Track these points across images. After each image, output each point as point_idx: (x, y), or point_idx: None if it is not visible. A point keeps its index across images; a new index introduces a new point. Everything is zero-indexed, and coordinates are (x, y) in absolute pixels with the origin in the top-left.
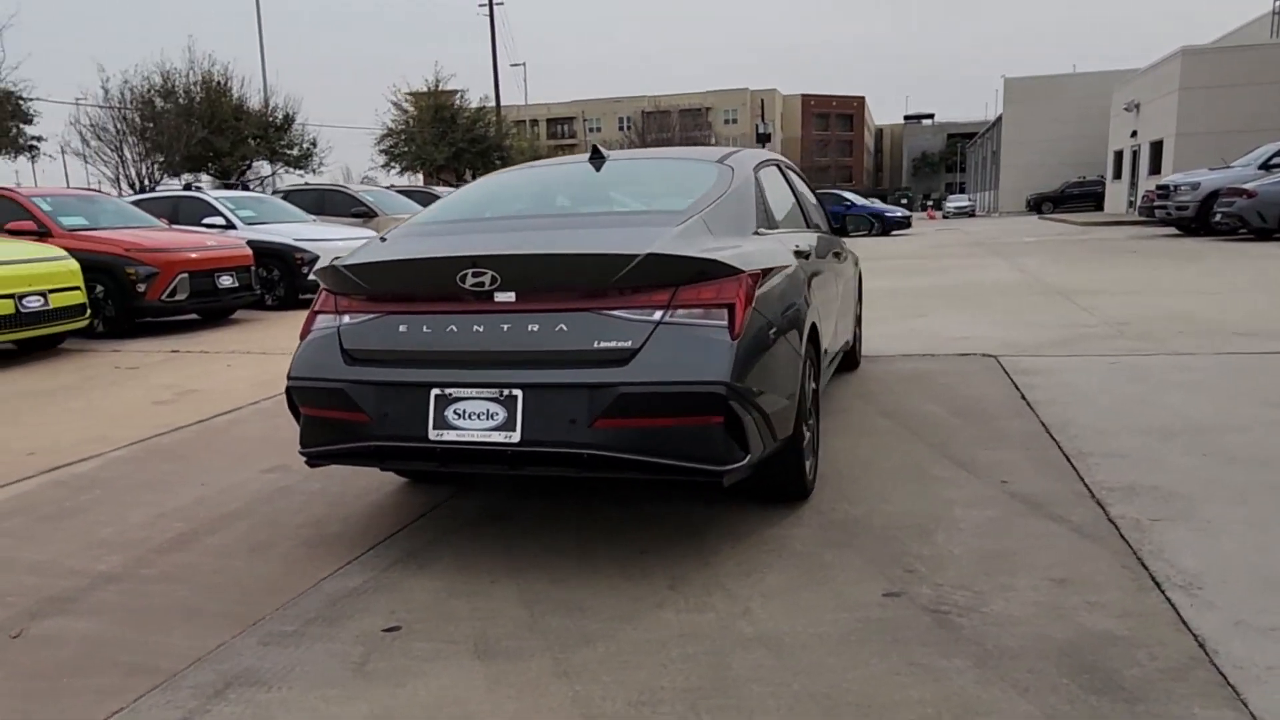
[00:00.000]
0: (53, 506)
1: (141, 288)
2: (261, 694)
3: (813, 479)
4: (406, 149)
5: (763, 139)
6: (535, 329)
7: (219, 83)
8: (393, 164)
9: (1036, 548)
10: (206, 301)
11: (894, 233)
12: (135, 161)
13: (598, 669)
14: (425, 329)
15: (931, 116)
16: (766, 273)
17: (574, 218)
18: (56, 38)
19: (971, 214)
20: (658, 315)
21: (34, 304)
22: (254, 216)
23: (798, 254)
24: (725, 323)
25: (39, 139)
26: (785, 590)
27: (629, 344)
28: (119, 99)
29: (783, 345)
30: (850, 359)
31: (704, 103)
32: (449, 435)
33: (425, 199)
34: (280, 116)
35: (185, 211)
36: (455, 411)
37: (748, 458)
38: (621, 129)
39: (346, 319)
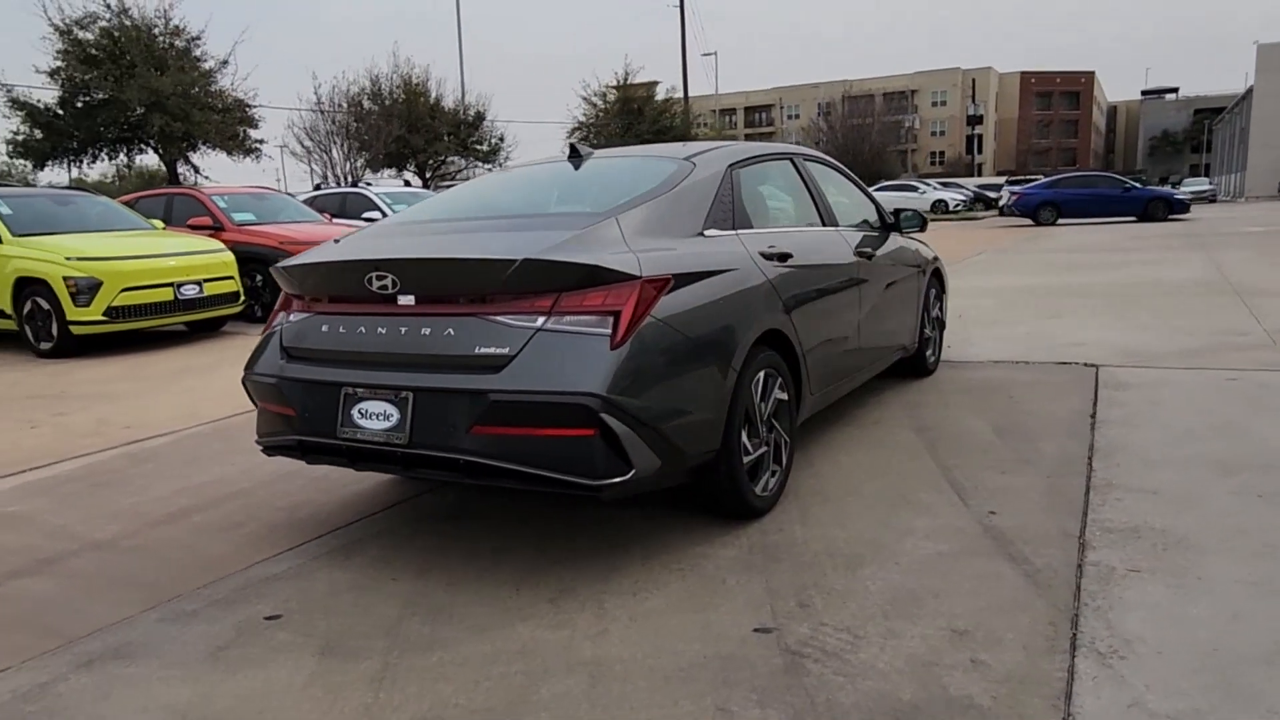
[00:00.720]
0: (107, 476)
1: None
2: (119, 668)
3: (771, 495)
4: (595, 142)
5: (972, 121)
6: (428, 333)
7: (417, 84)
8: None
9: (964, 591)
10: None
11: (1171, 217)
12: (342, 159)
13: (414, 678)
14: (341, 329)
15: (1175, 91)
16: (686, 277)
17: (498, 220)
18: (279, 49)
19: (1213, 199)
20: (539, 322)
21: (190, 292)
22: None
23: (769, 256)
24: (607, 331)
25: (261, 141)
26: (660, 614)
27: (506, 350)
28: (328, 103)
29: (702, 354)
30: (917, 365)
31: (910, 85)
32: (353, 433)
33: None
34: (472, 114)
35: (351, 206)
36: (359, 411)
37: (632, 473)
38: (821, 115)
39: (291, 318)
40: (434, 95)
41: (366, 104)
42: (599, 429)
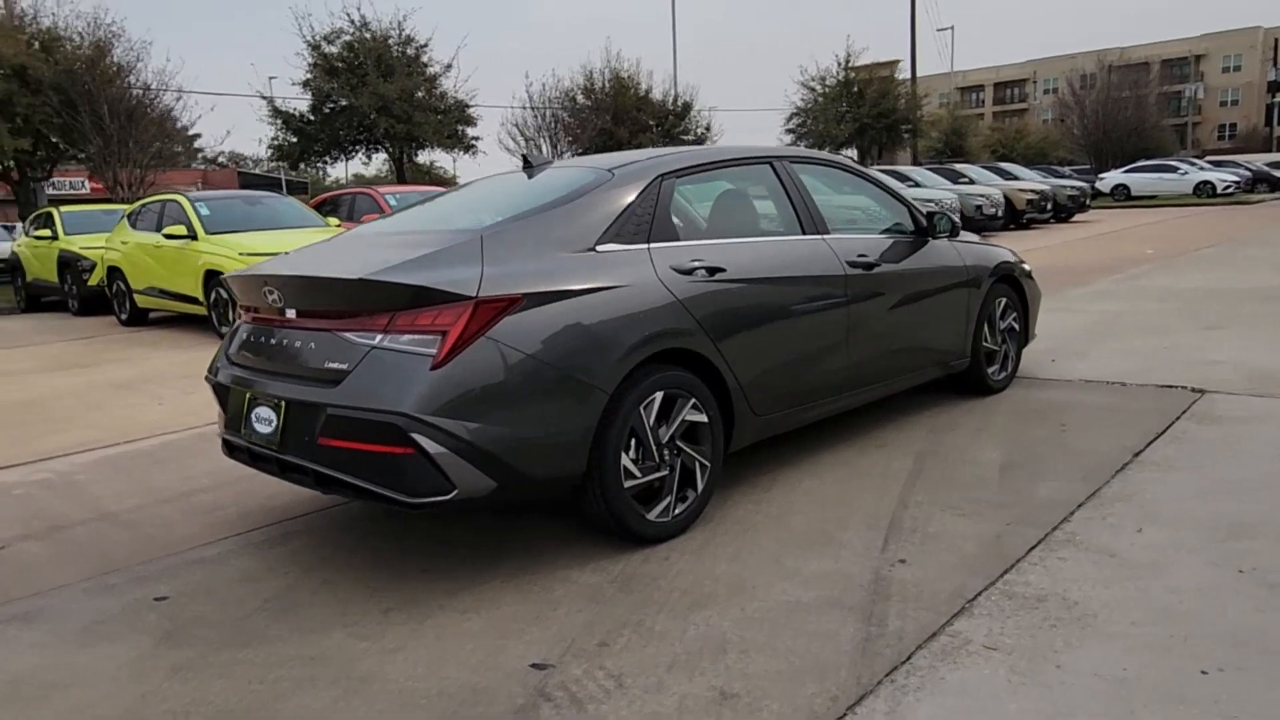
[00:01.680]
0: (171, 454)
1: None
2: (12, 631)
3: (675, 521)
4: (812, 127)
5: (1273, 88)
6: (299, 345)
7: (626, 77)
8: (798, 144)
9: (777, 649)
10: None
11: None
12: (550, 153)
13: (206, 672)
14: (252, 338)
15: None
16: (546, 295)
17: (406, 235)
18: (499, 51)
19: None
20: (375, 339)
21: None
22: None
23: (686, 271)
24: (431, 351)
25: (477, 139)
26: (469, 636)
27: (345, 366)
28: (540, 100)
29: (557, 375)
30: (974, 382)
31: (1193, 49)
32: (249, 435)
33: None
34: (679, 104)
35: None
36: (255, 415)
37: (454, 493)
38: (1077, 87)
39: (238, 325)
40: (644, 87)
41: (580, 99)
42: (415, 448)
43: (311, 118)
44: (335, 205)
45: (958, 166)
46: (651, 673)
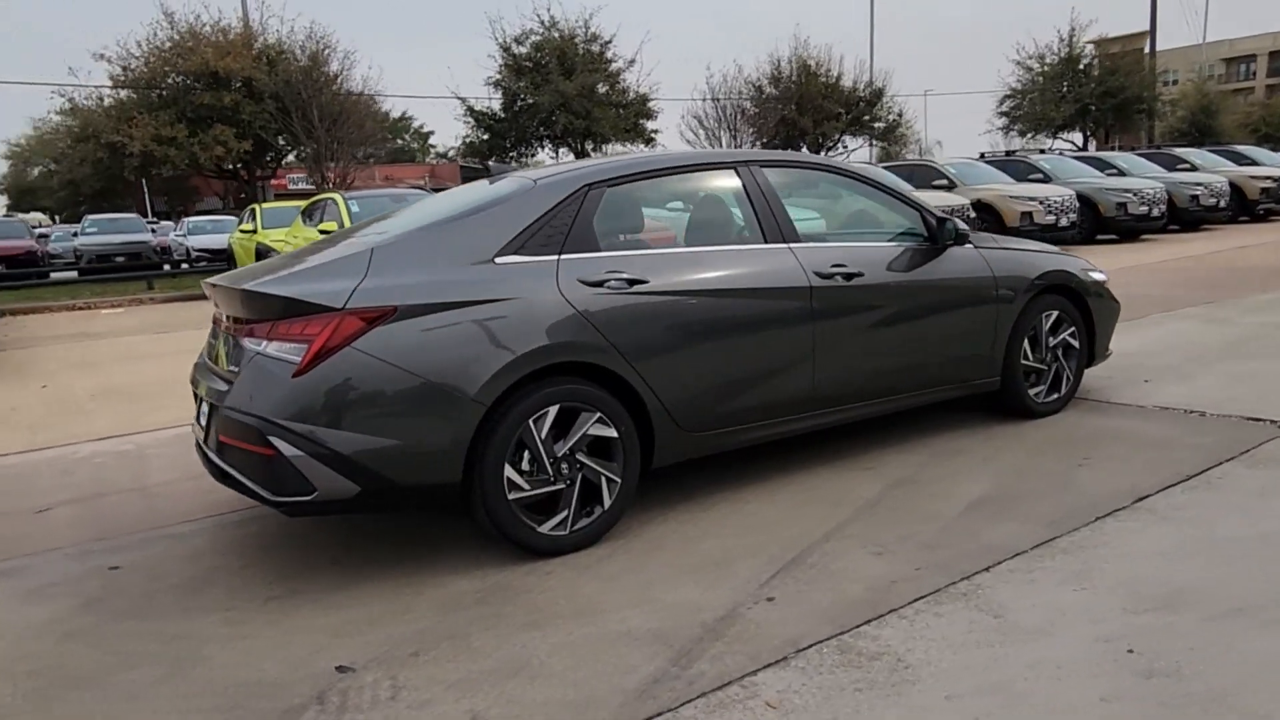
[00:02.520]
0: None
1: None
2: None
3: (572, 536)
4: (1028, 110)
5: None
6: (225, 349)
7: (813, 64)
8: (1012, 128)
9: (568, 679)
10: None
11: None
12: (731, 145)
13: (82, 640)
14: (210, 341)
15: None
16: (424, 308)
17: (330, 245)
18: (684, 44)
19: None
20: (260, 346)
21: None
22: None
23: (596, 283)
24: (296, 359)
25: (656, 132)
26: (309, 633)
27: (236, 370)
28: (722, 91)
29: (429, 386)
30: (1010, 404)
31: None
32: (199, 434)
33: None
34: (869, 90)
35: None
36: (199, 413)
37: (315, 495)
38: None
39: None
40: (835, 73)
41: (767, 88)
42: (274, 450)
43: (502, 115)
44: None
45: (1179, 151)
46: (431, 689)
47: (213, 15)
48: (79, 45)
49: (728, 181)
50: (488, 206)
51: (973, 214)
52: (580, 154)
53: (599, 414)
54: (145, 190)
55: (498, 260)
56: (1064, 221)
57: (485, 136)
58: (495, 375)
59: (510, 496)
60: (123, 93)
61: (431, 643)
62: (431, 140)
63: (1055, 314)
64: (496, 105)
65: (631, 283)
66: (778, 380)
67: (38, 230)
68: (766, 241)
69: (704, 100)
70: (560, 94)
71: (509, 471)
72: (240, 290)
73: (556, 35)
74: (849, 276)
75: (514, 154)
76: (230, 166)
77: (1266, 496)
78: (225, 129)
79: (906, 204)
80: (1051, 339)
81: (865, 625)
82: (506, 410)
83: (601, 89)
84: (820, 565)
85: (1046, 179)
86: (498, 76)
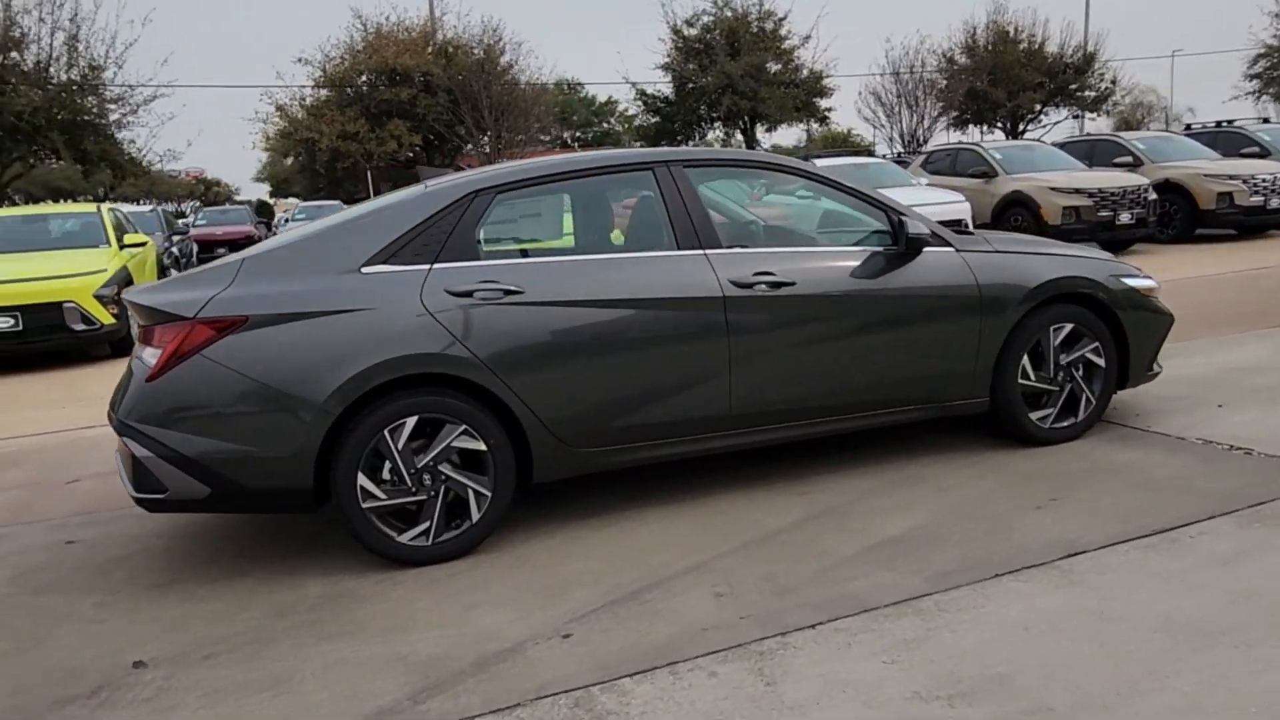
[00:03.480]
0: None
1: None
2: None
3: (436, 547)
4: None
5: None
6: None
7: (1012, 30)
8: (1264, 91)
9: (310, 700)
10: None
11: None
12: (911, 121)
13: None
14: None
15: None
16: (276, 317)
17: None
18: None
19: None
20: (140, 352)
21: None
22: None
23: (463, 293)
24: (152, 364)
25: (830, 110)
26: (144, 624)
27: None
28: (903, 64)
29: (275, 395)
30: (1008, 426)
31: None
32: None
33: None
34: (1078, 57)
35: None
36: None
37: (168, 494)
38: None
39: None
40: (1038, 39)
41: (959, 58)
42: (131, 449)
43: (671, 99)
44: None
45: None
46: (188, 694)
47: (399, 15)
48: (283, 52)
49: (640, 184)
50: (371, 215)
51: (1152, 196)
52: (748, 136)
53: (464, 427)
54: (369, 179)
55: (364, 270)
56: (1275, 203)
57: (654, 120)
58: (343, 385)
59: (365, 505)
60: (321, 93)
61: (232, 647)
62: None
63: (1069, 327)
64: (666, 89)
65: (506, 293)
66: (687, 396)
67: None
68: (679, 248)
69: (882, 75)
70: (726, 75)
71: (362, 480)
72: (128, 300)
73: (729, 14)
74: (776, 285)
75: (681, 138)
76: (403, 159)
77: (1227, 565)
78: (400, 123)
79: (872, 204)
80: (1063, 356)
81: (628, 678)
82: (359, 420)
83: (773, 67)
84: (652, 602)
85: (1264, 153)
86: (667, 59)
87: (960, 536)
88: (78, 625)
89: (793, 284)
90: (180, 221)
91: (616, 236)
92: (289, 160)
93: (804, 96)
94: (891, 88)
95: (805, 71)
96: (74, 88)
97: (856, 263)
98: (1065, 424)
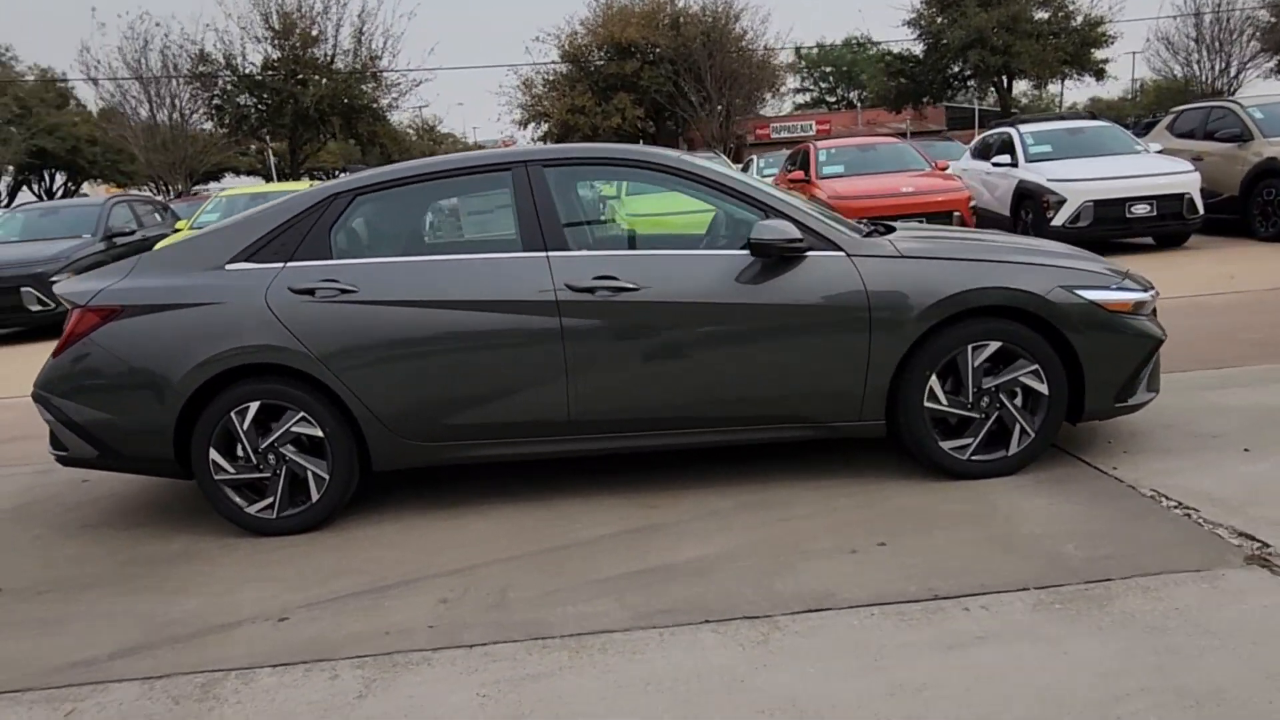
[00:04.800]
0: None
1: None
2: None
3: (280, 521)
4: None
5: None
6: None
7: None
8: None
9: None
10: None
11: None
12: (1207, 65)
13: None
14: None
15: None
16: (146, 308)
17: None
18: None
19: None
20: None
21: None
22: None
23: (303, 291)
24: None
25: (1106, 61)
26: None
27: None
28: (1206, 5)
29: (139, 375)
30: (915, 455)
31: None
32: None
33: None
34: None
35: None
36: None
37: (67, 454)
38: None
39: None
40: None
41: None
42: (41, 412)
43: (920, 59)
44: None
45: None
46: None
47: None
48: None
49: (497, 185)
50: (251, 214)
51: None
52: (1002, 94)
53: (302, 414)
54: None
55: (228, 267)
56: None
57: (902, 82)
58: (192, 370)
59: (216, 477)
60: (561, 68)
61: (59, 588)
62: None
63: (994, 346)
64: (915, 49)
65: (342, 291)
66: (522, 399)
67: None
68: (524, 249)
69: (1178, 17)
70: (976, 30)
71: (214, 455)
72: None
73: None
74: (618, 290)
75: (926, 100)
76: (629, 131)
77: (953, 648)
78: (624, 97)
79: (753, 204)
80: (987, 379)
81: (272, 668)
82: (208, 401)
83: (1039, 15)
84: (382, 600)
85: None
86: (914, 14)
87: (731, 573)
88: None
89: (637, 289)
90: None
91: (471, 237)
92: (525, 130)
93: (1074, 48)
94: (1190, 30)
95: (1080, 19)
96: (354, 77)
97: (720, 267)
98: (992, 457)
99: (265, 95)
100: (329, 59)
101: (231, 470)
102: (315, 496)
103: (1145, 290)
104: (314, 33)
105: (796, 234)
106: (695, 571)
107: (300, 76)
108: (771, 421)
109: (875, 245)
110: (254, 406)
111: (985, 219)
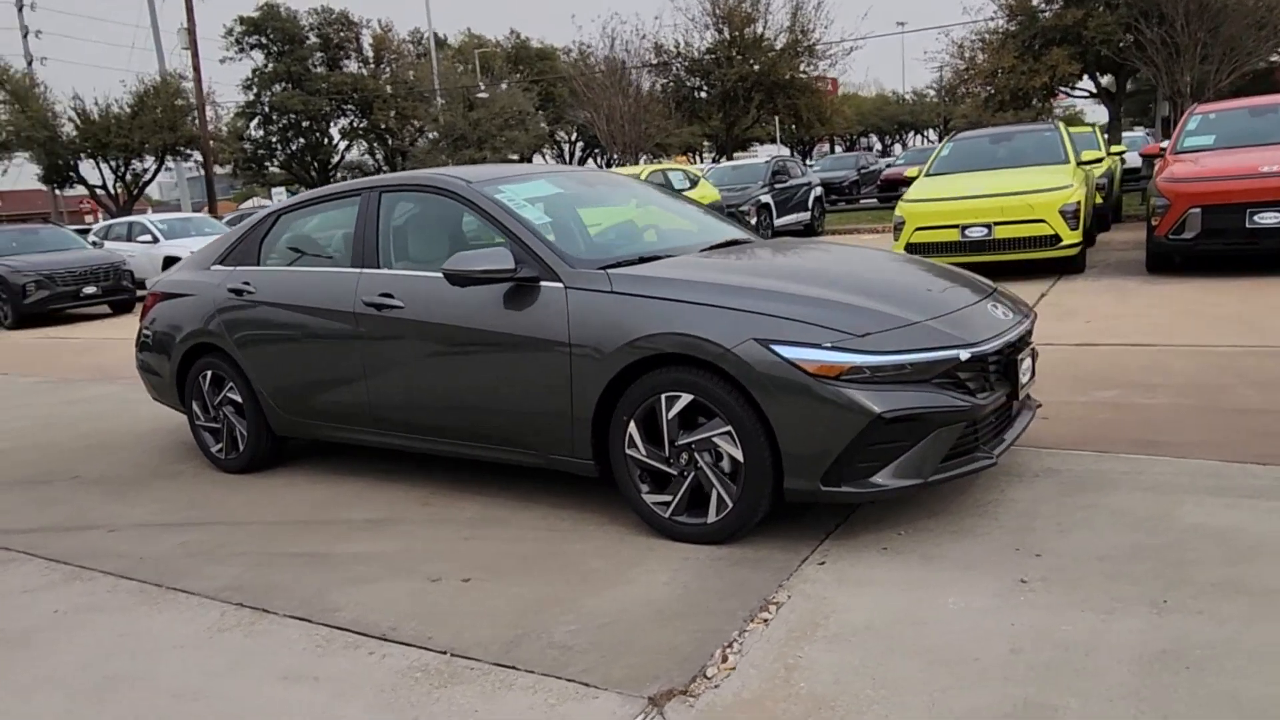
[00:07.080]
0: None
1: (1154, 221)
2: None
3: (228, 461)
4: None
5: None
6: None
7: None
8: None
9: None
10: (1233, 243)
11: None
12: None
13: None
14: None
15: None
16: (167, 295)
17: None
18: None
19: None
20: None
21: (976, 234)
22: None
23: (235, 290)
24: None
25: None
26: None
27: None
28: None
29: (161, 342)
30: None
31: None
32: None
33: None
34: None
35: None
36: None
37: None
38: None
39: None
40: None
41: None
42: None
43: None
44: None
45: None
46: None
47: None
48: None
49: (352, 208)
50: (240, 224)
51: None
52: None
53: (231, 384)
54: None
55: (211, 268)
56: None
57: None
58: (178, 342)
59: (197, 422)
60: (999, 22)
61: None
62: None
63: (685, 399)
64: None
65: (247, 292)
66: (344, 393)
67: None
68: (352, 265)
69: None
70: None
71: (194, 405)
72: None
73: None
74: (385, 308)
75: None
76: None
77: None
78: (1059, 52)
79: (527, 236)
80: (683, 434)
81: None
82: (184, 366)
83: None
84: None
85: None
86: None
87: (285, 572)
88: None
89: (401, 307)
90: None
91: (330, 253)
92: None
93: None
94: None
95: None
96: (784, 54)
97: (459, 292)
98: (694, 521)
99: (710, 78)
100: (767, 38)
101: (202, 418)
102: (241, 448)
103: (885, 354)
104: (753, 12)
105: (496, 266)
106: (340, 562)
107: (732, 55)
108: (507, 444)
109: (592, 278)
110: (210, 374)
111: None
